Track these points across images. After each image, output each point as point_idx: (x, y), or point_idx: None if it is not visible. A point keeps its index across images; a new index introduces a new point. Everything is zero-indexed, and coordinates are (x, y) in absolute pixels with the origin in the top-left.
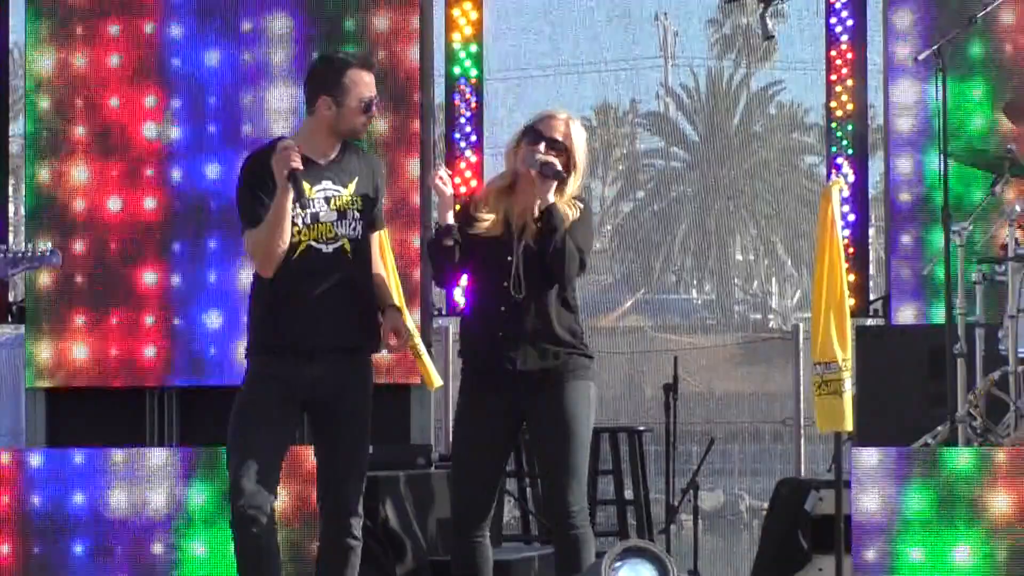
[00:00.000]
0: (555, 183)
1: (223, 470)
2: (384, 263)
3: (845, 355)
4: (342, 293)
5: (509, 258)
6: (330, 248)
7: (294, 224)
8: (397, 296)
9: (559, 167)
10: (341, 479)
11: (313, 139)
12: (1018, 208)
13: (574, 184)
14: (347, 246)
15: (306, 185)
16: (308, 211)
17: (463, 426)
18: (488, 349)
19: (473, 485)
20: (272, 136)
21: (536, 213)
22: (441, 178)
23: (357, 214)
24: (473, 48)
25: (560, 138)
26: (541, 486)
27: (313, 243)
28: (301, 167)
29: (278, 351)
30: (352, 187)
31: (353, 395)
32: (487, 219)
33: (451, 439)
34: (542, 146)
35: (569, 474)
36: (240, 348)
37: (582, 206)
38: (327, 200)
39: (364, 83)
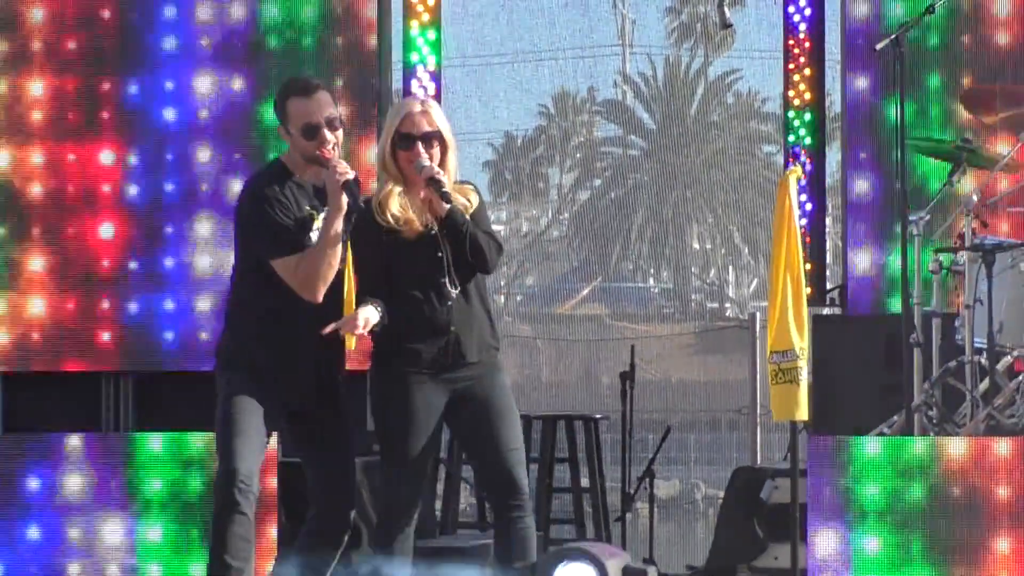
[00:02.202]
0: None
1: (179, 456)
2: None
3: (802, 343)
4: (335, 308)
5: (439, 254)
6: None
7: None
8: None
9: (442, 178)
10: (347, 474)
11: (300, 164)
12: (975, 198)
13: (454, 161)
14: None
15: (314, 212)
16: (315, 234)
17: (402, 421)
18: (437, 345)
19: (416, 479)
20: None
21: (435, 223)
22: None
23: (348, 226)
24: (431, 35)
25: (430, 129)
26: (485, 470)
27: None
28: (352, 176)
29: (275, 370)
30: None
31: (338, 393)
32: (407, 219)
33: (384, 435)
34: (420, 147)
35: (520, 460)
36: (200, 334)
37: (472, 189)
38: None
39: (303, 111)
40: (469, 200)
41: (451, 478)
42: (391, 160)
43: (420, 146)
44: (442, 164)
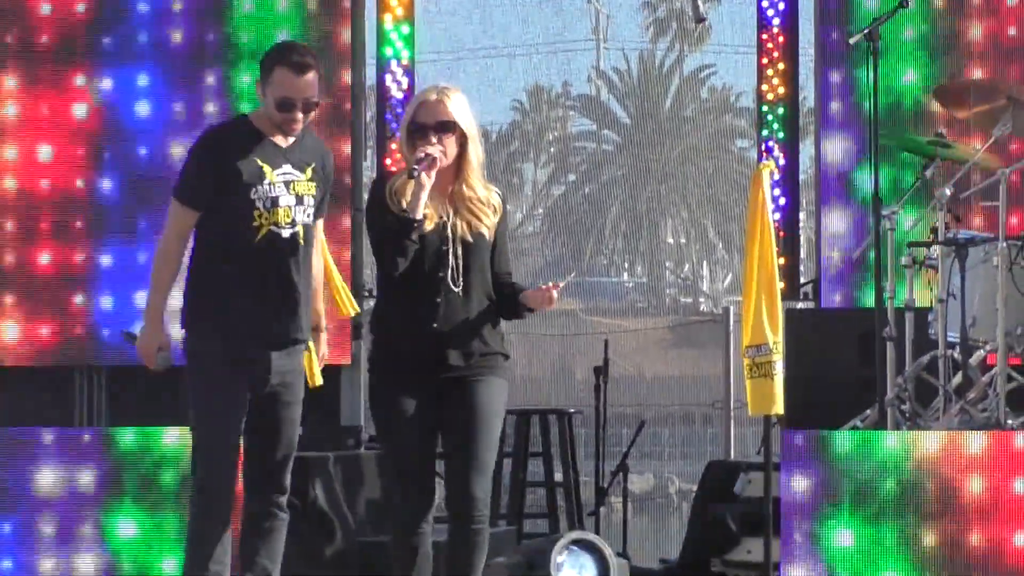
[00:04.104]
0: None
1: (152, 450)
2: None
3: (776, 337)
4: (297, 281)
5: (444, 248)
6: (287, 233)
7: (255, 207)
8: (337, 280)
9: (430, 157)
10: (276, 457)
11: (268, 125)
12: (948, 192)
13: (476, 152)
14: (301, 232)
15: (266, 167)
16: (268, 195)
17: (395, 415)
18: (420, 340)
19: (422, 474)
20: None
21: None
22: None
23: (311, 200)
24: (405, 29)
25: (444, 119)
26: (447, 477)
27: (273, 227)
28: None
29: (239, 337)
30: (309, 173)
31: (295, 380)
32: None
33: (379, 431)
34: (433, 137)
35: (479, 470)
36: (174, 329)
37: (499, 197)
38: (287, 184)
39: (286, 84)
40: (494, 207)
41: None
42: (408, 149)
43: (433, 135)
44: (462, 156)
